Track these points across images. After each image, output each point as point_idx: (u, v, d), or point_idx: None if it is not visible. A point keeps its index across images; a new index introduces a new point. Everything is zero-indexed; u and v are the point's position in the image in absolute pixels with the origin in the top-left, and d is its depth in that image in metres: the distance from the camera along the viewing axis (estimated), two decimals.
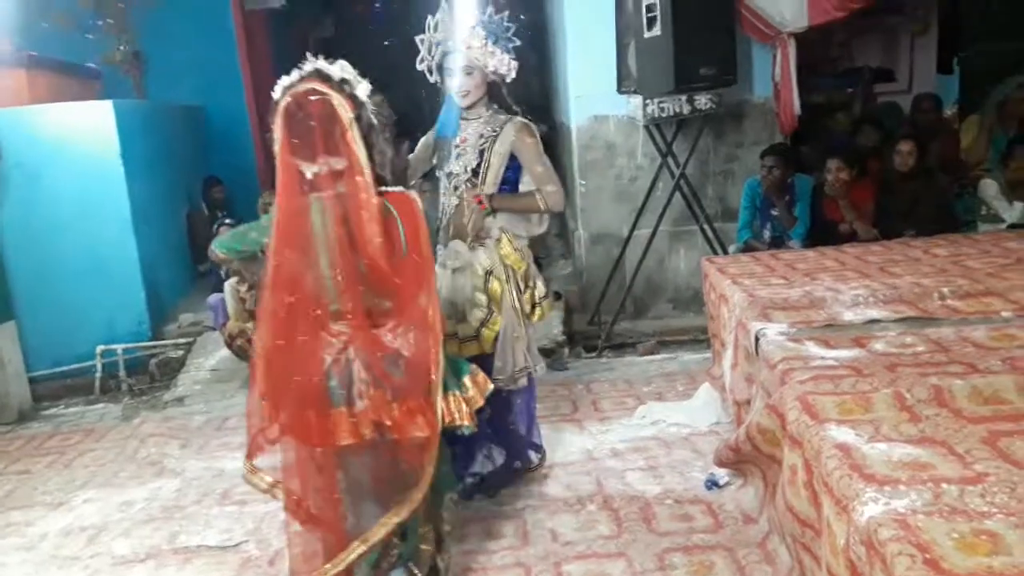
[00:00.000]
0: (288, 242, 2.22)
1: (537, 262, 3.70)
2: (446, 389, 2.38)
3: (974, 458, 1.87)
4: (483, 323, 3.00)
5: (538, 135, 3.07)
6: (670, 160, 5.09)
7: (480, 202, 2.99)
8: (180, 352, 5.48)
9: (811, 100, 5.70)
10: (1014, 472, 1.79)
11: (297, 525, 2.36)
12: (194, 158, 7.04)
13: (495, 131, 3.00)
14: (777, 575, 2.54)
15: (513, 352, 3.02)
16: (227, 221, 5.61)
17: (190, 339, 5.59)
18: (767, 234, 5.06)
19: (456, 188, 3.05)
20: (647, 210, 5.17)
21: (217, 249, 2.59)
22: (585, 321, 5.38)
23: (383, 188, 2.30)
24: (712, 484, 3.12)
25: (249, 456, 2.36)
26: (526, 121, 3.04)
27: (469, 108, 3.03)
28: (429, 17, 2.99)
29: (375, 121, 2.28)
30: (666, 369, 4.62)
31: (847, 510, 1.79)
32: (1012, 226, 4.54)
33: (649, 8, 4.64)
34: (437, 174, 3.17)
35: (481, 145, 3.01)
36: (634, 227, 5.21)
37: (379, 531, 2.31)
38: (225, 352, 5.15)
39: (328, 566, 2.30)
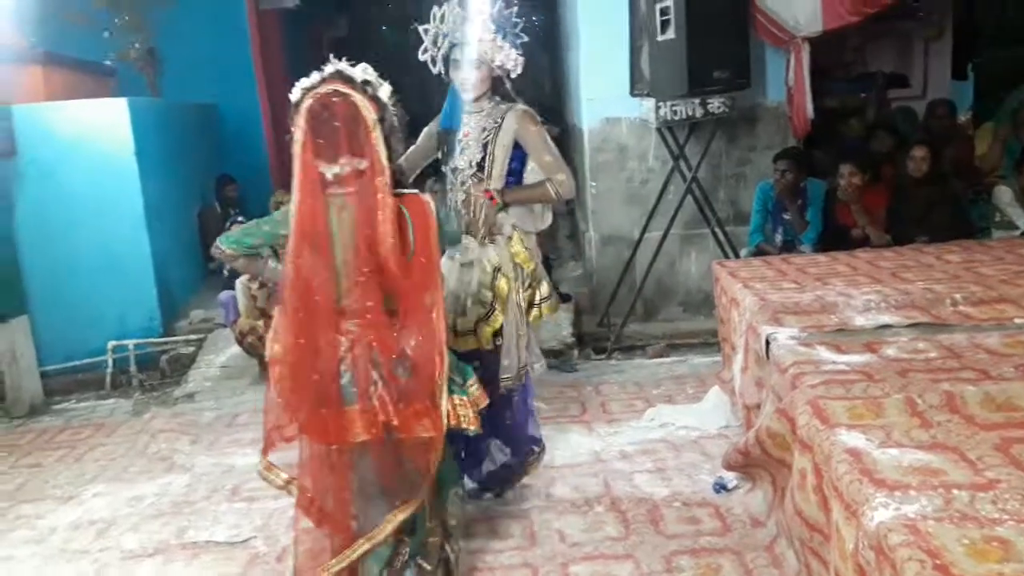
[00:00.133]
0: (306, 241, 2.23)
1: (548, 263, 3.70)
2: (451, 391, 2.39)
3: (985, 464, 1.86)
4: (482, 319, 2.98)
5: (539, 120, 3.03)
6: (682, 163, 5.09)
7: (491, 197, 2.96)
8: (191, 348, 5.51)
9: (824, 105, 5.68)
10: None
11: (306, 522, 2.37)
12: (207, 156, 7.08)
13: (497, 122, 2.97)
14: None
15: (519, 350, 3.02)
16: (239, 219, 5.64)
17: (201, 336, 5.62)
18: (779, 238, 5.04)
19: (463, 183, 3.04)
20: (658, 213, 5.17)
21: (223, 245, 2.48)
22: (595, 323, 5.38)
23: (399, 191, 2.32)
24: (720, 487, 3.11)
25: (264, 452, 2.38)
26: (526, 108, 3.00)
27: (472, 101, 3.01)
28: (435, 7, 2.98)
29: (396, 123, 2.30)
30: (676, 372, 4.61)
31: (857, 515, 1.78)
32: None
33: (663, 11, 4.64)
34: (443, 169, 3.14)
35: (484, 139, 2.99)
36: (645, 230, 5.21)
37: (385, 527, 2.32)
38: (236, 349, 5.18)
39: (332, 562, 2.31)
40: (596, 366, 4.86)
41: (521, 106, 3.01)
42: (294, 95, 2.29)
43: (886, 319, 2.90)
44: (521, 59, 2.99)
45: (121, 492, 3.63)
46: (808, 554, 2.28)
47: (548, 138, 3.03)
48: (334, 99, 2.22)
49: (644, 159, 5.41)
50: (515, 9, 3.02)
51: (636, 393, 4.31)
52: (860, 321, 2.91)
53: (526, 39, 3.03)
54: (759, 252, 4.90)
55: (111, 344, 5.34)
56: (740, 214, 5.36)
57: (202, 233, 6.59)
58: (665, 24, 4.64)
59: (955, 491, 1.76)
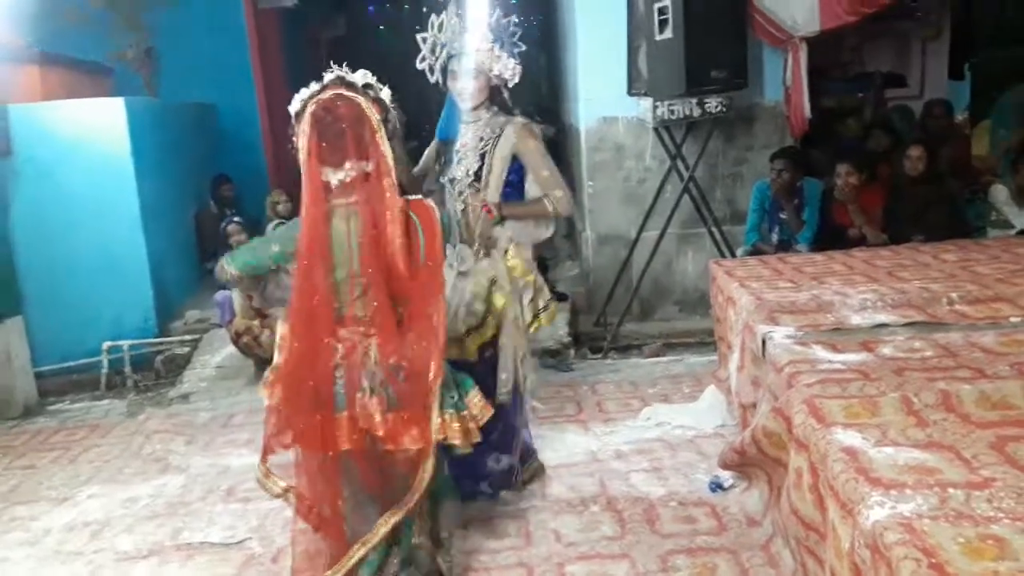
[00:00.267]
0: (312, 249, 2.24)
1: (543, 264, 3.70)
2: (443, 405, 2.36)
3: (981, 463, 1.85)
4: (472, 330, 2.97)
5: (540, 135, 3.04)
6: (679, 163, 5.08)
7: (489, 211, 2.96)
8: (186, 349, 5.50)
9: (822, 104, 5.69)
10: (1021, 478, 1.77)
11: (302, 523, 2.37)
12: (204, 156, 7.06)
13: (495, 133, 2.97)
14: None
15: (515, 366, 3.02)
16: (235, 219, 5.64)
17: (196, 336, 5.60)
18: (775, 237, 5.04)
19: (460, 193, 3.03)
20: (655, 212, 5.16)
21: (232, 267, 2.45)
22: (591, 322, 5.38)
23: (408, 196, 2.34)
24: (716, 486, 3.11)
25: (263, 459, 2.38)
26: (525, 121, 3.01)
27: (470, 111, 3.01)
28: (433, 16, 2.98)
29: (397, 125, 2.32)
30: (672, 371, 4.60)
31: (852, 514, 1.77)
32: (1022, 232, 4.52)
33: (661, 10, 4.64)
34: (441, 180, 3.13)
35: (482, 148, 2.98)
36: (642, 229, 5.20)
37: (379, 531, 2.32)
38: (231, 349, 5.17)
39: (329, 573, 2.31)
40: (592, 365, 4.85)
41: (520, 119, 3.01)
42: (294, 106, 2.30)
43: (882, 318, 2.90)
44: (519, 69, 3.00)
45: (116, 493, 3.62)
46: (804, 553, 2.27)
47: (546, 153, 3.03)
48: (338, 102, 2.23)
49: (641, 158, 5.40)
50: (513, 18, 3.03)
51: (632, 392, 4.31)
52: (856, 320, 2.91)
53: (524, 48, 3.03)
54: (755, 251, 4.90)
55: (106, 345, 5.32)
56: (737, 213, 5.36)
57: (198, 233, 6.58)
58: (663, 23, 4.64)
59: (951, 490, 1.75)
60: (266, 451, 2.37)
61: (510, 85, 3.01)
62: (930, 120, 5.97)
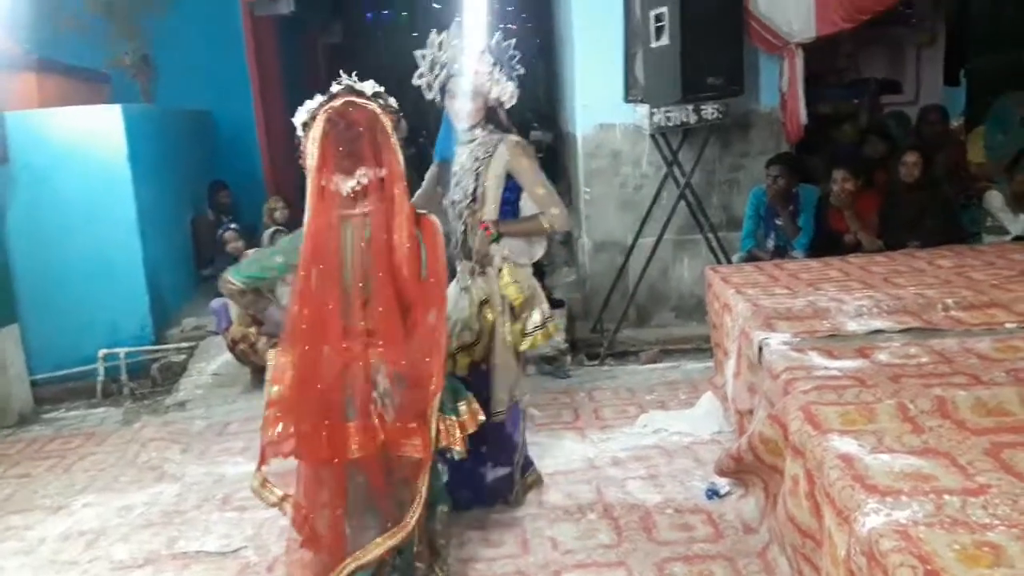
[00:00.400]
0: (318, 258, 2.22)
1: (541, 269, 3.69)
2: (442, 411, 2.38)
3: (976, 470, 1.85)
4: (465, 347, 2.98)
5: (533, 153, 3.05)
6: (675, 169, 5.09)
7: (486, 228, 2.96)
8: (182, 356, 5.49)
9: (818, 110, 5.68)
10: (1016, 484, 1.77)
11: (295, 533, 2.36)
12: (201, 163, 7.06)
13: (489, 152, 2.98)
14: None
15: (507, 385, 3.02)
16: (232, 226, 5.64)
17: (192, 343, 5.60)
18: (771, 244, 5.04)
19: (460, 215, 3.03)
20: (651, 218, 5.17)
21: (236, 280, 2.41)
22: (588, 328, 5.37)
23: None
24: (713, 493, 3.10)
25: (259, 467, 2.36)
26: (518, 139, 3.02)
27: (466, 130, 3.02)
28: (433, 33, 2.99)
29: (405, 133, 2.33)
30: (668, 378, 4.61)
31: (849, 521, 1.77)
32: (1017, 238, 4.53)
33: (657, 18, 4.65)
34: (443, 203, 3.13)
35: (476, 168, 2.99)
36: (638, 235, 5.21)
37: (374, 550, 2.31)
38: (227, 356, 5.16)
39: None
40: (589, 372, 4.85)
41: (513, 137, 3.01)
42: (300, 117, 2.30)
43: (878, 324, 2.90)
44: (516, 92, 3.01)
45: (111, 502, 3.60)
46: (800, 560, 2.27)
47: (540, 170, 3.03)
48: (351, 109, 2.24)
49: (638, 165, 5.41)
50: (512, 41, 3.04)
51: (629, 399, 4.30)
52: (852, 326, 2.91)
53: (523, 71, 3.04)
54: (751, 257, 4.91)
55: (102, 352, 5.30)
56: (733, 219, 5.36)
57: (195, 240, 6.58)
58: (659, 31, 4.65)
59: (946, 496, 1.75)
60: (262, 459, 2.36)
61: (507, 107, 3.02)
62: (925, 126, 5.97)
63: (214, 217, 6.68)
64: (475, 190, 2.99)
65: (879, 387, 2.31)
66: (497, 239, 2.98)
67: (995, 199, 4.74)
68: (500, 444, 3.12)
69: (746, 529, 2.86)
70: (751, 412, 3.05)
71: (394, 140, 2.26)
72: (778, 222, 5.01)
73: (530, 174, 2.99)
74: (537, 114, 9.57)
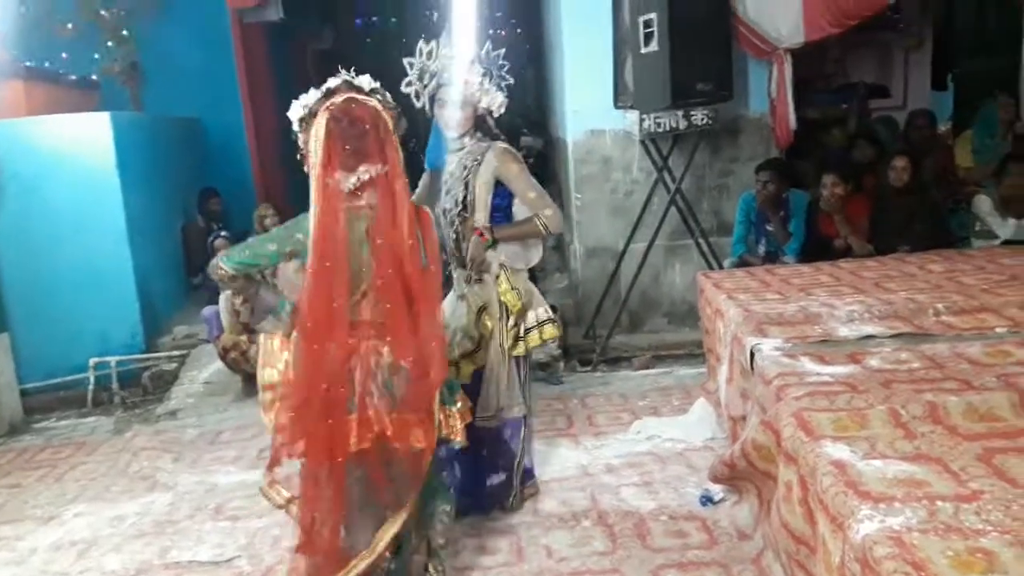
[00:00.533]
0: (329, 252, 2.22)
1: (533, 276, 3.69)
2: (443, 402, 2.41)
3: (969, 475, 1.86)
4: (467, 355, 2.99)
5: (520, 158, 3.06)
6: (666, 174, 5.11)
7: (481, 234, 2.96)
8: (174, 365, 5.46)
9: (807, 115, 5.73)
10: (1009, 490, 1.78)
11: (298, 538, 2.35)
12: (191, 170, 7.04)
13: (477, 160, 2.98)
14: None
15: (498, 392, 3.02)
16: (223, 234, 5.62)
17: (184, 352, 5.57)
18: (762, 249, 5.06)
19: (452, 223, 3.04)
20: (643, 224, 5.18)
21: (227, 265, 2.39)
22: (580, 335, 5.38)
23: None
24: (707, 500, 3.11)
25: (269, 467, 2.37)
26: (505, 146, 3.02)
27: (455, 139, 3.02)
28: (421, 42, 3.00)
29: (404, 129, 2.35)
30: (661, 384, 4.61)
31: (842, 527, 1.78)
32: (1006, 242, 4.55)
33: (646, 24, 4.67)
34: (436, 211, 3.12)
35: (465, 176, 2.99)
36: (630, 241, 5.22)
37: (376, 545, 2.31)
38: (219, 365, 5.14)
39: None
40: (582, 378, 4.86)
41: (501, 144, 3.02)
42: (296, 112, 2.29)
43: (869, 329, 2.91)
44: (505, 102, 3.03)
45: (102, 512, 3.58)
46: (794, 567, 2.27)
47: (530, 175, 3.04)
48: (353, 105, 2.24)
49: (628, 171, 5.43)
50: (502, 51, 3.06)
51: (622, 405, 4.31)
52: (844, 332, 2.92)
53: (512, 82, 3.06)
54: (742, 263, 4.92)
55: (93, 361, 5.28)
56: (724, 225, 5.39)
57: (185, 248, 6.55)
58: (648, 37, 4.67)
59: (939, 503, 1.76)
60: (273, 461, 2.35)
61: (495, 116, 3.03)
62: (913, 131, 6.02)
63: (204, 224, 6.66)
64: (465, 198, 2.99)
65: (871, 393, 2.32)
66: (493, 245, 2.98)
67: (983, 203, 4.76)
68: (498, 450, 3.12)
69: (740, 536, 2.86)
70: (744, 418, 3.06)
71: (395, 136, 2.28)
72: (769, 227, 5.03)
73: (520, 180, 3.00)
74: (527, 120, 9.58)
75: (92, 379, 5.27)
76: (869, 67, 7.36)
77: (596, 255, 5.52)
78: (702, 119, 4.78)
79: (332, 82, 2.29)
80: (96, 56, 7.23)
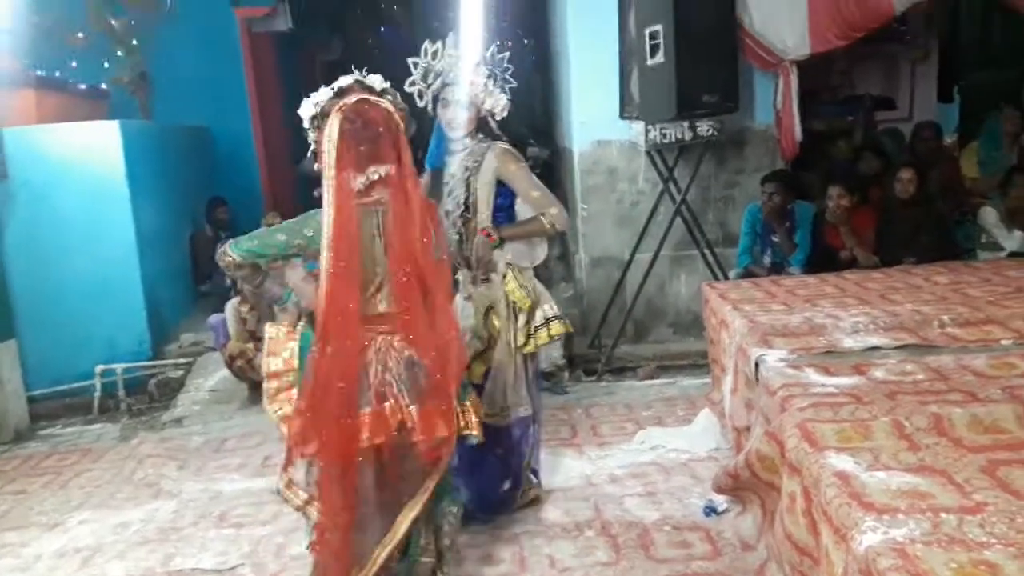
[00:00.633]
0: (341, 254, 2.23)
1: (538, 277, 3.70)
2: (459, 397, 2.44)
3: (973, 487, 1.86)
4: (476, 355, 3.00)
5: (521, 157, 3.06)
6: (671, 185, 5.12)
7: (488, 234, 2.97)
8: (180, 372, 5.49)
9: (812, 127, 5.72)
10: (1013, 502, 1.77)
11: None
12: (199, 179, 7.08)
13: (477, 161, 3.00)
14: None
15: (503, 389, 3.02)
16: (230, 242, 5.63)
17: (190, 359, 5.59)
18: (767, 260, 5.06)
19: (455, 225, 3.05)
20: (648, 234, 5.18)
21: (234, 252, 2.42)
22: (585, 344, 5.37)
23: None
24: (711, 511, 3.10)
25: (284, 468, 2.37)
26: (506, 146, 3.03)
27: (457, 140, 3.04)
28: (427, 43, 3.02)
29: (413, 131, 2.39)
30: (666, 394, 4.61)
31: (846, 539, 1.77)
32: (1012, 254, 4.54)
33: (652, 35, 4.69)
34: (439, 212, 3.16)
35: (466, 177, 3.01)
36: (635, 251, 5.22)
37: (397, 530, 2.33)
38: (225, 372, 5.15)
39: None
40: (587, 388, 4.85)
41: (501, 144, 3.03)
42: (308, 110, 2.32)
43: (874, 341, 2.91)
44: (508, 104, 3.04)
45: (107, 519, 3.59)
46: None
47: (531, 174, 3.05)
48: (365, 106, 2.26)
49: (634, 181, 5.44)
50: (507, 54, 3.08)
51: (626, 415, 4.30)
52: (848, 343, 2.92)
53: (515, 84, 3.08)
54: (747, 274, 4.92)
55: (99, 368, 5.29)
56: (729, 236, 5.38)
57: (193, 256, 6.58)
58: (654, 48, 4.69)
59: (943, 514, 1.75)
60: (288, 460, 2.35)
61: (498, 118, 3.05)
62: (919, 143, 6.02)
63: (212, 233, 6.69)
64: (467, 199, 3.01)
65: (875, 404, 2.32)
66: (500, 244, 2.99)
67: (989, 215, 4.76)
68: (508, 451, 3.12)
69: (744, 546, 2.85)
70: (748, 429, 3.05)
71: (406, 137, 2.31)
72: (774, 239, 5.03)
73: (521, 179, 3.01)
74: (534, 130, 9.60)
75: (98, 386, 5.29)
76: (875, 79, 7.35)
77: (601, 265, 5.52)
78: (708, 130, 4.79)
79: (343, 81, 2.33)
80: (106, 65, 7.29)
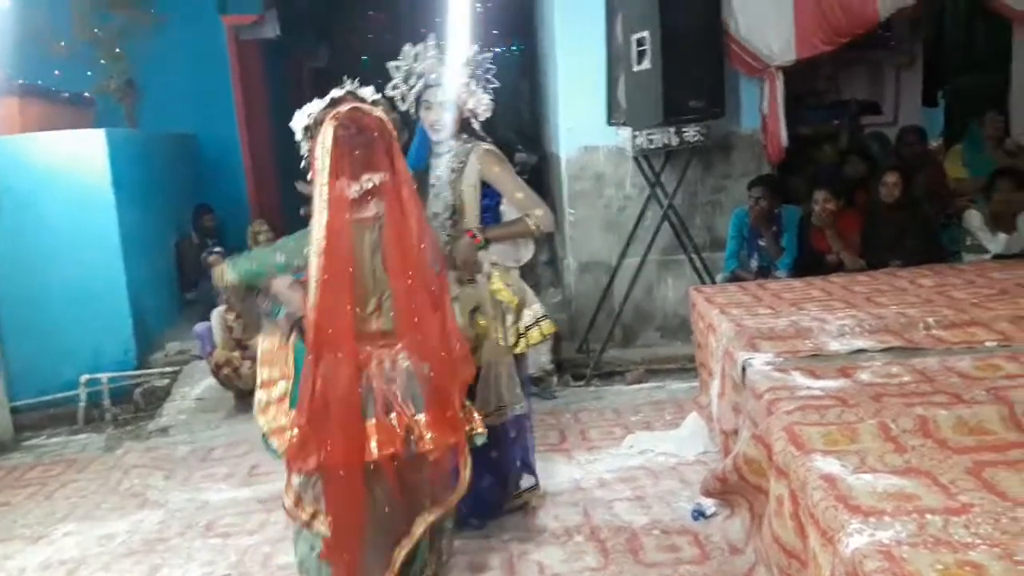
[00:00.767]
0: (332, 263, 2.21)
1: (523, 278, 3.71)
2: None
3: (959, 489, 1.86)
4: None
5: (504, 159, 3.06)
6: (658, 190, 5.13)
7: (473, 236, 2.97)
8: (166, 381, 5.45)
9: (798, 132, 5.77)
10: (998, 503, 1.78)
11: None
12: (185, 186, 7.05)
13: (461, 163, 3.00)
14: None
15: (497, 388, 3.01)
16: (216, 250, 5.61)
17: (176, 368, 5.55)
18: (754, 264, 5.08)
19: (443, 227, 3.04)
20: (635, 239, 5.19)
21: (232, 273, 2.43)
22: (574, 349, 5.38)
23: None
24: (699, 514, 3.10)
25: (289, 482, 2.36)
26: (489, 147, 3.03)
27: (441, 142, 3.04)
28: (408, 46, 3.02)
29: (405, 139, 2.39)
30: (654, 398, 4.61)
31: (833, 541, 1.77)
32: (996, 256, 4.58)
33: (639, 42, 4.70)
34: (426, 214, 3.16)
35: (452, 179, 3.01)
36: (623, 256, 5.23)
37: (415, 531, 2.35)
38: (211, 381, 5.12)
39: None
40: (575, 392, 4.85)
41: (484, 145, 3.03)
42: (301, 120, 2.32)
43: (860, 344, 2.92)
44: (491, 105, 3.03)
45: (92, 530, 3.55)
46: None
47: (516, 175, 3.05)
48: (359, 114, 2.27)
49: (621, 187, 5.45)
50: (488, 54, 3.07)
51: (615, 420, 4.30)
52: (835, 346, 2.93)
53: (498, 84, 3.07)
54: (735, 278, 4.94)
55: (84, 377, 5.25)
56: (716, 240, 5.40)
57: (179, 264, 6.55)
58: (641, 54, 4.70)
59: (928, 516, 1.75)
60: (290, 475, 2.34)
61: (481, 118, 3.04)
62: (903, 147, 6.06)
63: (199, 240, 6.66)
64: (453, 201, 3.01)
65: (861, 407, 2.32)
66: (485, 246, 2.99)
67: (974, 218, 4.80)
68: (504, 452, 3.10)
69: (732, 550, 2.85)
70: (736, 432, 3.06)
71: (399, 144, 2.31)
72: (761, 243, 5.05)
73: (505, 180, 3.01)
74: (522, 136, 9.63)
75: (84, 395, 5.24)
76: (861, 84, 7.42)
77: (589, 270, 5.53)
78: (694, 136, 4.81)
79: (336, 92, 2.34)
80: (90, 73, 7.26)
